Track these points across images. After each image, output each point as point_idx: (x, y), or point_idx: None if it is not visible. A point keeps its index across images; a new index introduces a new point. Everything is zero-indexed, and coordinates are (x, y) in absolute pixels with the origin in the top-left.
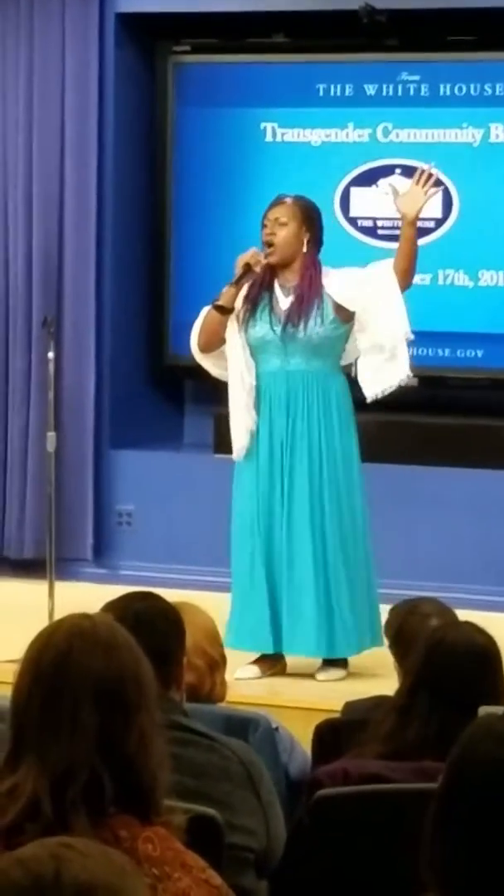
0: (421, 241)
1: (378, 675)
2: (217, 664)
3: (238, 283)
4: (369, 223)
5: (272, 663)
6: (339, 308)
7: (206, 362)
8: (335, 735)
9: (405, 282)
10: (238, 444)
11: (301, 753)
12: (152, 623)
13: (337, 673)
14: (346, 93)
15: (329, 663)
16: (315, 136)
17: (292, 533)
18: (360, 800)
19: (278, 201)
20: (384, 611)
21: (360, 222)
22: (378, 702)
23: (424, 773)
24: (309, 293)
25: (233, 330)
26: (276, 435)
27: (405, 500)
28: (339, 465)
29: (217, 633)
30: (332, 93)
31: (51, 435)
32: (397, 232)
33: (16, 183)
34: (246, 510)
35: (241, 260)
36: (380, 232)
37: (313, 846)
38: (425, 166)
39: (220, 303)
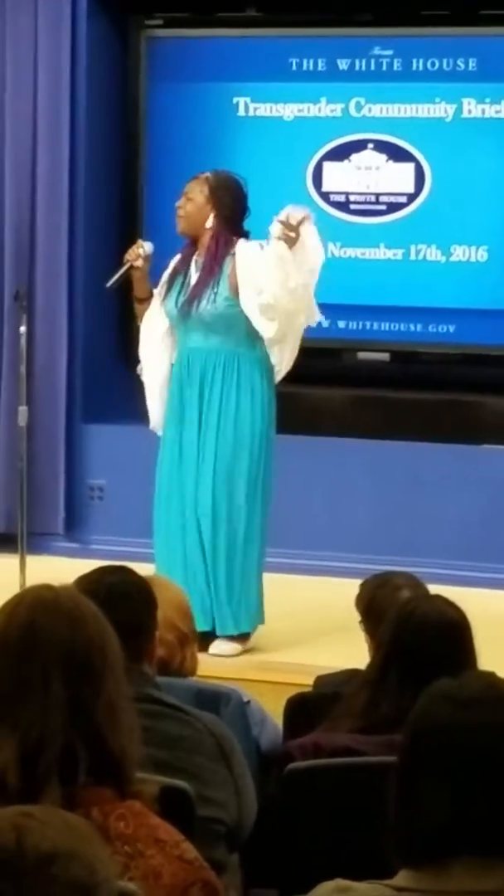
0: (393, 216)
1: None
2: (187, 638)
3: (117, 281)
4: (342, 198)
5: None
6: (234, 286)
7: None
8: (306, 709)
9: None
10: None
11: (272, 727)
12: (124, 597)
13: (231, 647)
14: (319, 67)
15: (223, 637)
16: (288, 111)
17: (196, 511)
18: (331, 773)
19: (195, 175)
20: (356, 585)
21: (332, 197)
22: (349, 676)
23: (395, 746)
24: (209, 269)
25: (147, 308)
26: (185, 410)
27: (377, 474)
28: (235, 445)
29: (188, 607)
30: (304, 67)
31: (22, 409)
32: (370, 207)
33: None
34: (161, 485)
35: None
36: (352, 207)
37: (284, 819)
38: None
39: (134, 294)
